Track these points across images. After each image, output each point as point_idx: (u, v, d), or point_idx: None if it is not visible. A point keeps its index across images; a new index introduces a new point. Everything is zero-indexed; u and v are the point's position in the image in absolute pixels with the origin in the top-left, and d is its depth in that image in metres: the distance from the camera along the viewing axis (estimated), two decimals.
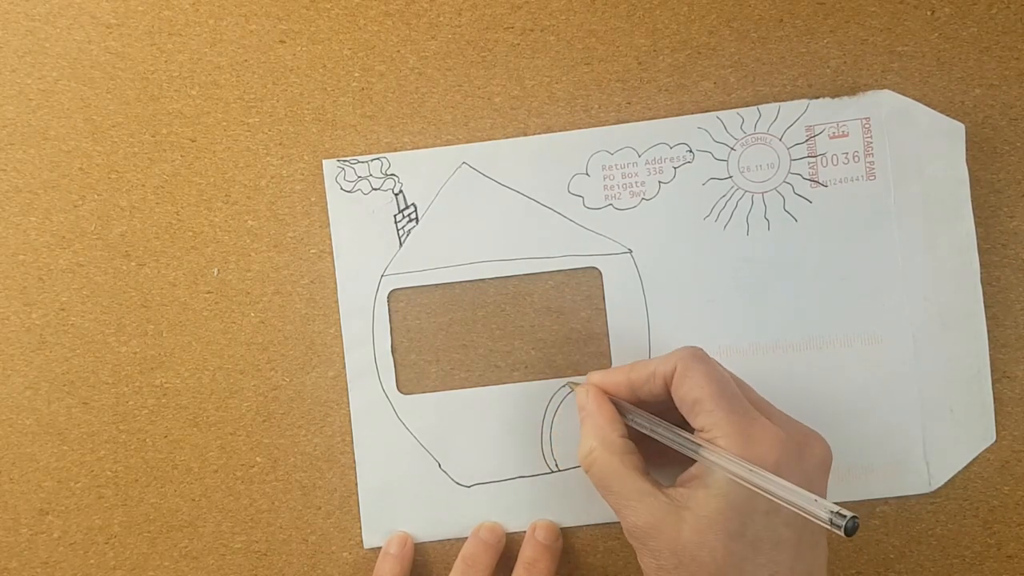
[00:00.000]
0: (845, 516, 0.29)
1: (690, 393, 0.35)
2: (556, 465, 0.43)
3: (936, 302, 0.42)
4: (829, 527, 0.30)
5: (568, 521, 0.43)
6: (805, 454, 0.35)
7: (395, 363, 0.44)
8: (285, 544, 0.44)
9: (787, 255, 0.43)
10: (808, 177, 0.42)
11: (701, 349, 0.37)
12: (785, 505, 0.31)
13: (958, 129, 0.42)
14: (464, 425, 0.43)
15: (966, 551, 0.43)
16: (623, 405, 0.38)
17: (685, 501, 0.34)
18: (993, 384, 0.42)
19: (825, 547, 0.36)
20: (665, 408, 0.37)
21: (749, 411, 0.35)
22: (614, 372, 0.39)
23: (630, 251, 0.43)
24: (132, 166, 0.44)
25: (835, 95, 0.42)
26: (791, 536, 0.34)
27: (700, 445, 0.34)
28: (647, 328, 0.43)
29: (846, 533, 0.29)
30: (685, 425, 0.36)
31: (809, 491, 0.32)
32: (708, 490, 0.34)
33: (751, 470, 0.32)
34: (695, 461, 0.35)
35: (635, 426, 0.38)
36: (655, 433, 0.37)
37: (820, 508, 0.30)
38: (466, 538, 0.43)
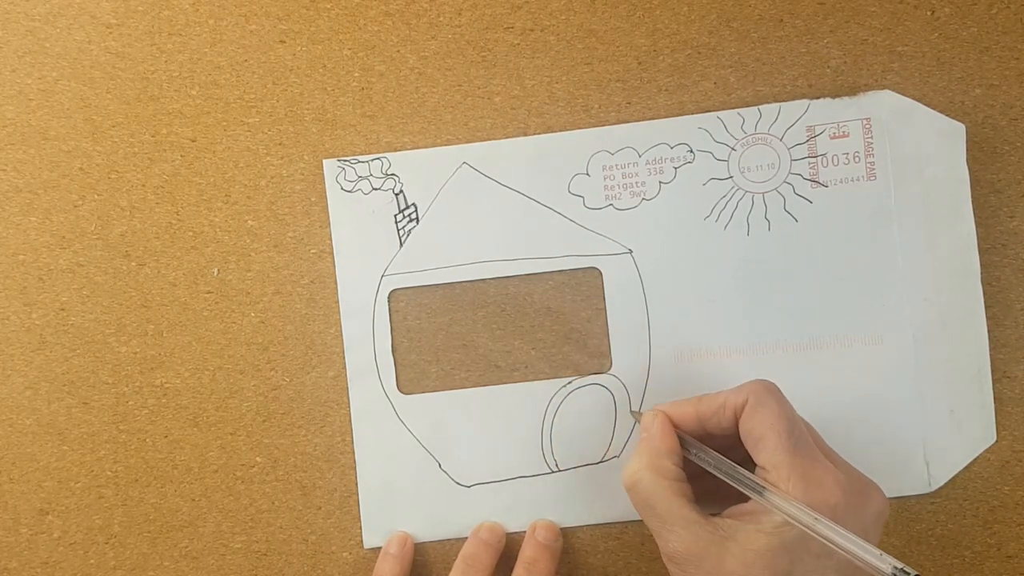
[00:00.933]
0: (909, 573, 0.29)
1: (759, 427, 0.35)
2: (556, 465, 0.43)
3: (936, 302, 0.42)
4: None
5: (568, 521, 0.43)
6: (865, 502, 0.35)
7: (395, 363, 0.44)
8: (285, 544, 0.44)
9: (787, 255, 0.43)
10: (809, 177, 0.42)
11: (774, 383, 0.37)
12: (847, 556, 0.31)
13: (958, 129, 0.42)
14: (464, 425, 0.43)
15: (966, 551, 0.43)
16: (686, 438, 0.38)
17: (732, 533, 0.34)
18: (993, 384, 0.42)
19: None
20: (728, 445, 0.37)
21: (814, 453, 0.35)
22: (682, 404, 0.38)
23: (630, 251, 0.43)
24: (132, 166, 0.44)
25: (835, 95, 0.42)
26: None
27: (764, 487, 0.34)
28: (647, 328, 0.43)
29: None
30: (746, 464, 0.36)
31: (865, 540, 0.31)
32: (759, 526, 0.33)
33: (816, 518, 0.32)
34: (745, 497, 0.35)
35: (697, 460, 0.37)
36: (717, 471, 0.36)
37: (884, 563, 0.30)
38: (466, 538, 0.43)
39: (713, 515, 0.35)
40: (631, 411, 0.43)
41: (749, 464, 0.36)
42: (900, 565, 0.30)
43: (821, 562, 0.33)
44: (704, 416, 0.37)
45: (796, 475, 0.33)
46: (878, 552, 0.31)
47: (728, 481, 0.36)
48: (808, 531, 0.32)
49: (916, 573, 0.29)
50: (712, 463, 0.37)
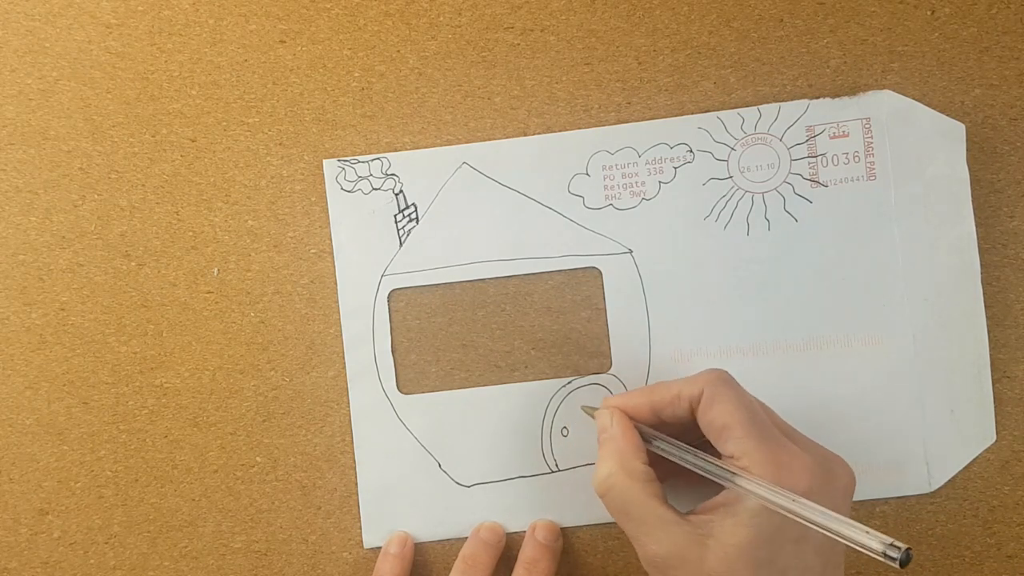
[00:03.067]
0: (900, 548, 0.29)
1: (719, 418, 0.35)
2: (556, 465, 0.43)
3: (936, 302, 0.42)
4: (883, 559, 0.29)
5: (568, 521, 0.43)
6: (833, 479, 0.34)
7: (395, 363, 0.44)
8: (285, 544, 0.44)
9: (787, 255, 0.43)
10: (808, 177, 0.42)
11: (727, 372, 0.36)
12: (830, 535, 0.31)
13: (958, 129, 0.42)
14: (464, 425, 0.43)
15: (966, 551, 0.43)
16: (646, 431, 0.37)
17: (710, 529, 0.33)
18: (993, 384, 0.42)
19: (843, 571, 0.35)
20: (684, 430, 0.37)
21: (778, 438, 0.34)
22: (634, 395, 0.38)
23: (630, 251, 0.43)
24: (132, 166, 0.44)
25: (835, 95, 0.42)
26: (817, 563, 0.33)
27: (736, 473, 0.33)
28: (647, 328, 0.43)
29: (901, 565, 0.29)
30: (705, 448, 0.36)
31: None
32: (736, 519, 0.33)
33: (793, 499, 0.32)
34: (715, 488, 0.34)
35: (660, 452, 0.37)
36: (683, 460, 0.36)
37: (874, 540, 0.30)
38: (466, 538, 0.43)
39: (688, 514, 0.35)
40: (583, 407, 0.42)
41: (709, 450, 0.36)
42: (890, 540, 0.29)
43: (800, 547, 0.33)
44: (658, 407, 0.37)
45: (767, 462, 0.33)
46: (865, 529, 0.30)
47: (697, 471, 0.35)
48: (787, 514, 0.32)
49: (906, 547, 0.29)
50: (677, 454, 0.36)
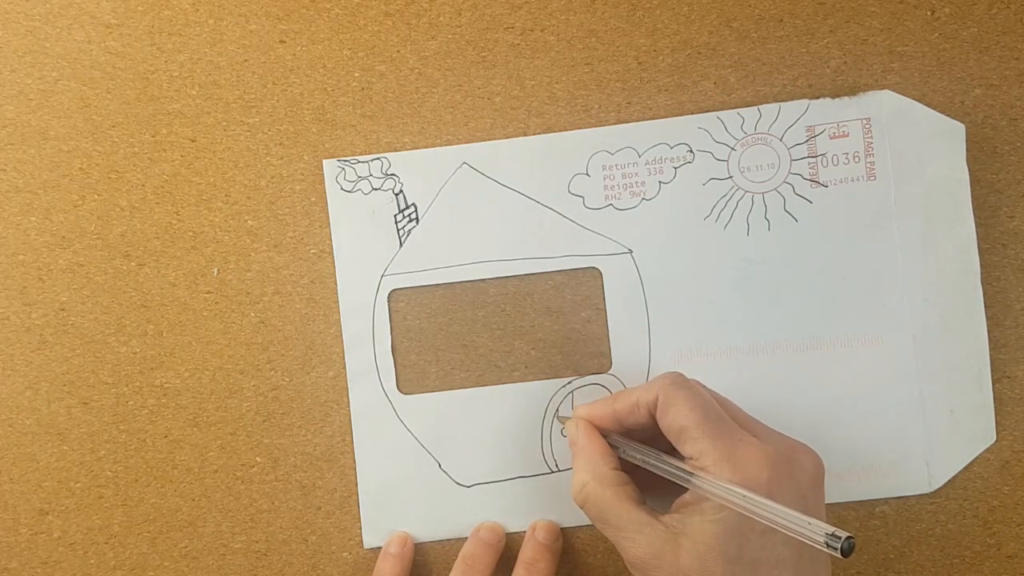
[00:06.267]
0: (840, 537, 0.29)
1: (675, 422, 0.35)
2: (556, 465, 0.43)
3: (936, 302, 0.42)
4: (826, 549, 0.29)
5: (568, 521, 0.43)
6: (796, 469, 0.35)
7: (395, 363, 0.44)
8: (285, 544, 0.44)
9: (787, 255, 0.43)
10: (808, 177, 0.42)
11: (681, 374, 0.37)
12: (780, 530, 0.31)
13: (958, 129, 0.42)
14: (464, 425, 0.43)
15: (966, 551, 0.43)
16: (615, 438, 0.39)
17: (682, 528, 0.34)
18: (993, 384, 0.42)
19: (828, 562, 0.35)
20: (654, 435, 0.37)
21: (735, 432, 0.35)
22: (600, 404, 0.39)
23: (630, 251, 0.43)
24: (132, 166, 0.44)
25: (835, 95, 0.42)
26: (790, 554, 0.34)
27: (692, 473, 0.34)
28: (647, 328, 0.43)
29: (843, 554, 0.29)
30: (675, 453, 0.36)
31: (804, 506, 0.31)
32: (703, 516, 0.34)
33: (743, 495, 0.32)
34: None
35: (628, 458, 0.38)
36: (647, 464, 0.37)
37: (814, 531, 0.30)
38: (466, 538, 0.43)
39: (664, 514, 0.35)
40: (557, 416, 0.43)
41: (675, 454, 0.36)
42: (830, 530, 0.29)
43: (767, 538, 0.33)
44: (620, 416, 0.38)
45: (722, 459, 0.34)
46: (807, 520, 0.30)
47: (659, 473, 0.36)
48: (741, 511, 0.32)
49: (848, 535, 0.29)
50: (640, 457, 0.37)
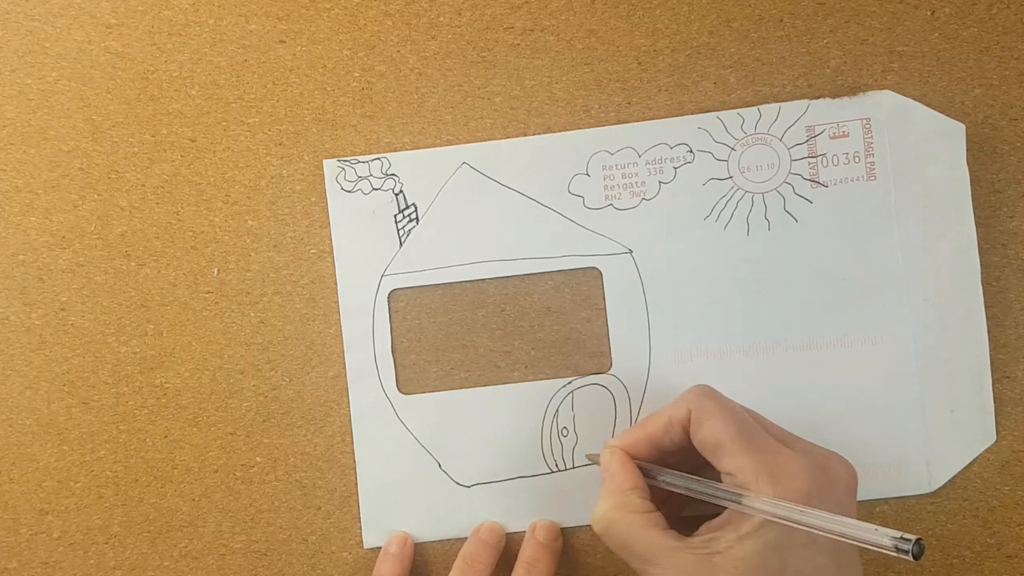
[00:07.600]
0: (910, 540, 0.29)
1: (710, 436, 0.35)
2: (556, 465, 0.43)
3: (936, 302, 0.42)
4: (895, 553, 0.29)
5: (568, 521, 0.43)
6: (832, 479, 0.34)
7: (395, 363, 0.44)
8: (285, 544, 0.44)
9: (787, 255, 0.42)
10: (808, 177, 0.42)
11: (711, 387, 0.37)
12: (841, 538, 0.31)
13: (958, 129, 0.42)
14: (464, 425, 0.43)
15: (966, 551, 0.43)
16: (649, 467, 0.38)
17: (716, 546, 0.33)
18: (993, 384, 0.42)
19: (860, 567, 0.35)
20: (688, 456, 0.37)
21: (770, 445, 0.34)
22: (631, 432, 0.38)
23: (630, 251, 0.43)
24: (132, 166, 0.44)
25: (835, 95, 0.42)
26: (830, 565, 0.33)
27: (742, 495, 0.33)
28: (647, 328, 0.43)
29: (914, 557, 0.29)
30: (703, 469, 0.36)
31: (843, 515, 0.31)
32: (741, 532, 0.33)
33: (801, 511, 0.32)
34: (719, 510, 0.34)
35: (666, 487, 0.37)
36: (690, 491, 0.36)
37: (883, 536, 0.29)
38: (466, 538, 0.43)
39: (691, 536, 0.35)
40: (587, 456, 0.42)
41: (708, 469, 0.36)
42: (899, 534, 0.29)
43: (809, 551, 0.33)
44: (654, 438, 0.37)
45: (763, 473, 0.33)
46: (873, 527, 0.30)
47: (702, 498, 0.35)
48: (795, 525, 0.32)
49: (917, 538, 0.29)
50: (681, 484, 0.36)
